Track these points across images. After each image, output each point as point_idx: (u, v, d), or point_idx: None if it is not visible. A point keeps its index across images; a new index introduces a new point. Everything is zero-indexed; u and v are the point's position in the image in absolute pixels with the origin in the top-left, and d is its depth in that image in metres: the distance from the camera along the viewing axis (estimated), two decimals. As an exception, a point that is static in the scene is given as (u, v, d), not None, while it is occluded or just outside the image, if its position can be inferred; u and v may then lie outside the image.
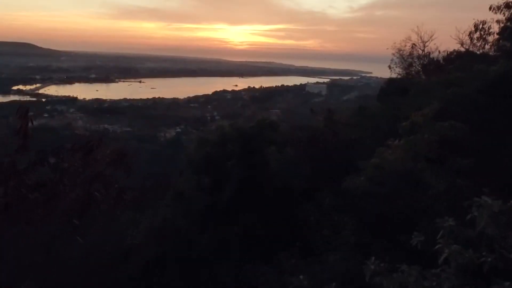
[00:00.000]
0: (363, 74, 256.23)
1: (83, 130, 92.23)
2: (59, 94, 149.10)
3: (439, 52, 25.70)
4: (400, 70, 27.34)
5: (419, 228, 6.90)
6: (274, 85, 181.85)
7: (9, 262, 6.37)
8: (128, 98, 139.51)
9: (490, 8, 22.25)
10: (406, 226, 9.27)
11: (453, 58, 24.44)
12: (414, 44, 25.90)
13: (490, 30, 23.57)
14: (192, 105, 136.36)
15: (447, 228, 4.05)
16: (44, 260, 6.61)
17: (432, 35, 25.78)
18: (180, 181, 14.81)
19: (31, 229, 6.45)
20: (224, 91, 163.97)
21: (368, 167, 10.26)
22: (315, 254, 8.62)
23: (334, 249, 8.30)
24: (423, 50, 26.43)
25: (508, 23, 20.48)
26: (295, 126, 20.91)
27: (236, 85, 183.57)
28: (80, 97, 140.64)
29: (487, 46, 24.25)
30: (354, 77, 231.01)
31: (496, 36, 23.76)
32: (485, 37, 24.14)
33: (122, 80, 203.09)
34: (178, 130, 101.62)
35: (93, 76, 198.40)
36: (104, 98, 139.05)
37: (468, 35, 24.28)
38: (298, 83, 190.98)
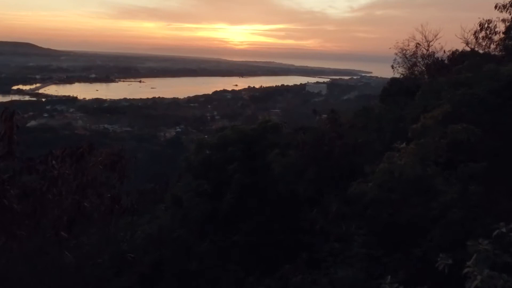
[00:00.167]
0: (363, 74, 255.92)
1: (83, 130, 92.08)
2: (59, 94, 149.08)
3: (444, 52, 25.21)
4: (403, 70, 26.88)
5: (443, 246, 6.38)
6: (274, 85, 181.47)
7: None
8: (128, 98, 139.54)
9: (495, 7, 21.78)
10: (418, 236, 8.79)
11: (458, 57, 23.94)
12: (418, 43, 25.41)
13: (496, 29, 23.14)
14: (192, 105, 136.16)
15: (482, 252, 3.53)
16: (29, 277, 6.07)
17: (437, 34, 25.28)
18: (178, 186, 14.29)
19: (15, 243, 5.92)
20: (224, 91, 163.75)
21: (377, 172, 9.73)
22: (321, 267, 8.11)
23: (342, 262, 7.79)
24: (427, 50, 25.95)
25: (515, 22, 19.96)
26: (297, 127, 20.37)
27: (236, 85, 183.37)
28: (80, 97, 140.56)
29: (492, 46, 23.82)
30: (354, 77, 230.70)
31: (502, 35, 23.31)
32: (490, 36, 23.68)
33: (122, 80, 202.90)
34: (178, 130, 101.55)
35: (93, 76, 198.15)
36: (104, 97, 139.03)
37: (473, 34, 23.82)
38: (298, 83, 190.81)
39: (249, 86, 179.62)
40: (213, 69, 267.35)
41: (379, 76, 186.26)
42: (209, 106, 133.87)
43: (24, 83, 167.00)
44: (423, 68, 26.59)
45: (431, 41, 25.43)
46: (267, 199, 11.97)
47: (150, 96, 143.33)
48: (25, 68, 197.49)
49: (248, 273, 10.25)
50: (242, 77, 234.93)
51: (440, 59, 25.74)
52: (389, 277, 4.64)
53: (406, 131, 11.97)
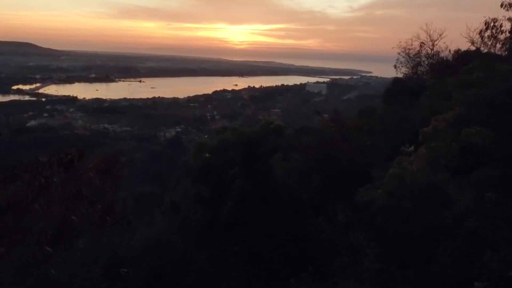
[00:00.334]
0: (363, 74, 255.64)
1: (83, 130, 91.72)
2: (59, 94, 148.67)
3: (449, 51, 24.71)
4: (406, 69, 26.36)
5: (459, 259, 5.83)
6: (274, 85, 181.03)
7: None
8: (128, 97, 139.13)
9: (501, 5, 21.27)
10: (431, 246, 8.24)
11: (464, 57, 23.43)
12: (422, 42, 24.89)
13: (502, 28, 22.63)
14: (192, 104, 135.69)
15: None
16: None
17: (442, 33, 24.77)
18: (177, 191, 13.73)
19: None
20: (224, 90, 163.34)
21: (386, 178, 9.18)
22: (329, 281, 7.56)
23: (351, 276, 7.25)
24: (432, 49, 25.43)
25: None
26: (299, 128, 19.82)
27: (236, 85, 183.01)
28: (80, 96, 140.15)
29: (498, 45, 23.31)
30: (354, 77, 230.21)
31: (508, 34, 22.80)
32: (496, 35, 23.17)
33: (122, 79, 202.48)
34: (178, 129, 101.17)
35: (93, 75, 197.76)
36: (104, 97, 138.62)
37: (479, 34, 23.33)
38: (298, 83, 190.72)
39: (249, 86, 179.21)
40: (213, 69, 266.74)
41: (379, 76, 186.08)
42: (209, 106, 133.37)
43: (24, 83, 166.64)
44: (428, 67, 26.11)
45: (435, 40, 24.95)
46: (269, 206, 11.39)
47: (150, 96, 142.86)
48: (25, 68, 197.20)
49: (250, 282, 9.73)
50: (242, 77, 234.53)
51: (445, 58, 25.26)
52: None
53: (412, 133, 11.42)
